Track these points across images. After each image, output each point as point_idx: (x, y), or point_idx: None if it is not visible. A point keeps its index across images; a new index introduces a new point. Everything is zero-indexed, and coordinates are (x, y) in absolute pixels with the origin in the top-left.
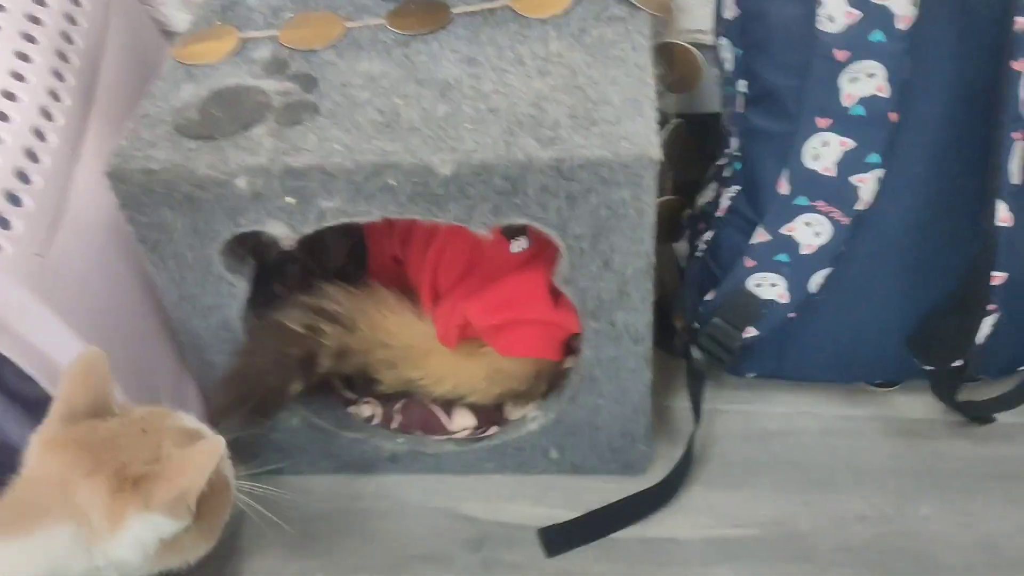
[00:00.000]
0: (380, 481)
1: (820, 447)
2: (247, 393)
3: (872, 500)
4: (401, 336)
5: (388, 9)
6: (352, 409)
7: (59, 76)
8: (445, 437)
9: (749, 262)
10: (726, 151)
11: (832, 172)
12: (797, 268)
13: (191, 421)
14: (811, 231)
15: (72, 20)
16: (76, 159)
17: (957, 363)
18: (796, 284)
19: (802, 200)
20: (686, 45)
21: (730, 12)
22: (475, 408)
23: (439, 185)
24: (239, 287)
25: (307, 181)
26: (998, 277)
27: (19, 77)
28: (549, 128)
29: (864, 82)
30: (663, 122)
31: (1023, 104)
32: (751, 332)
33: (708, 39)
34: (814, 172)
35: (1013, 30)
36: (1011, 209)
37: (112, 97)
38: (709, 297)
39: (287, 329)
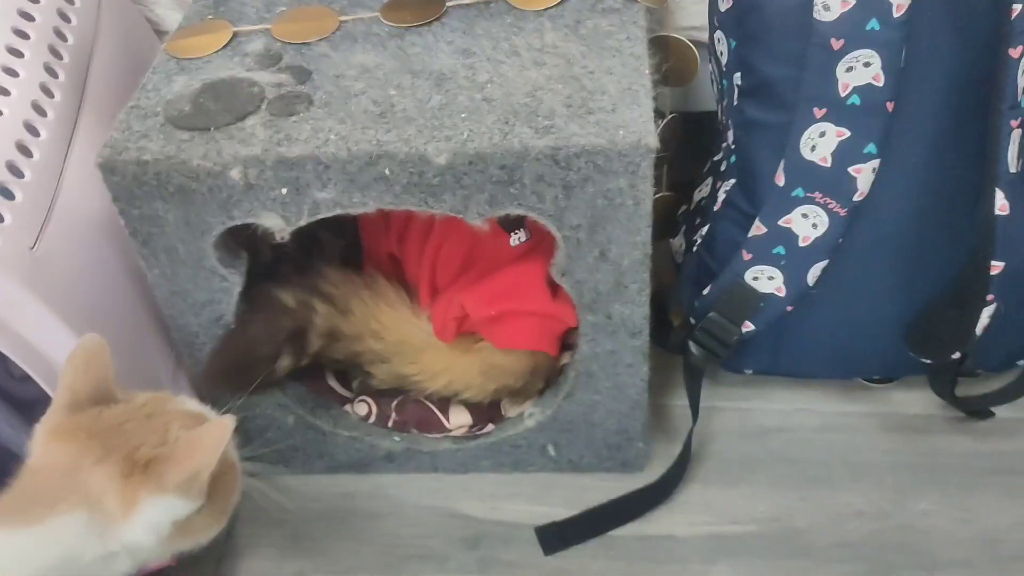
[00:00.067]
0: (376, 480)
1: (817, 443)
2: (238, 361)
3: (870, 496)
4: (395, 330)
5: (382, 2)
6: (348, 407)
7: (51, 72)
8: (442, 435)
9: (746, 255)
10: (722, 145)
11: (829, 163)
12: (795, 261)
13: (193, 404)
14: (808, 223)
15: (65, 17)
16: (68, 154)
17: (956, 356)
18: (794, 277)
19: (799, 192)
20: (681, 38)
21: (725, 4)
22: (471, 406)
23: (434, 175)
24: (232, 282)
25: (301, 171)
26: (996, 267)
27: (11, 72)
28: (545, 117)
29: (860, 71)
30: (658, 118)
31: (1021, 92)
32: (748, 326)
33: (703, 36)
34: (811, 163)
35: (1010, 17)
36: (1008, 198)
37: (104, 94)
38: (706, 292)
39: (278, 301)
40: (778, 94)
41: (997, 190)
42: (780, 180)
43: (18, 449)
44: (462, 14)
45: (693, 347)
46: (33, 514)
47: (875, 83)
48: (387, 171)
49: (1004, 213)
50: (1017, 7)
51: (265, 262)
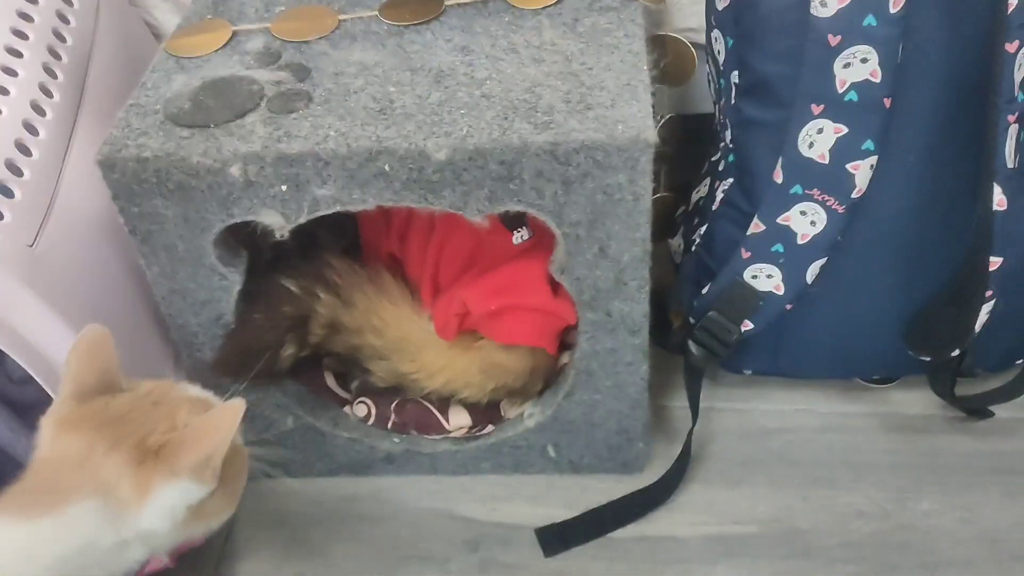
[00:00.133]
0: (375, 483)
1: (818, 444)
2: (242, 349)
3: (871, 496)
4: (396, 327)
5: (381, 1)
6: (347, 409)
7: (50, 72)
8: (441, 436)
9: (745, 253)
10: (720, 145)
11: (827, 160)
12: (793, 258)
13: (197, 390)
14: (807, 220)
15: (64, 19)
16: (67, 154)
17: (955, 353)
18: (792, 275)
19: (797, 189)
20: (678, 37)
21: (722, 2)
22: (471, 407)
23: (434, 171)
24: (232, 280)
25: (301, 168)
26: (994, 263)
27: (10, 72)
28: (544, 113)
29: (857, 67)
30: (656, 117)
31: (1017, 87)
32: (748, 325)
33: (700, 37)
34: (809, 160)
35: (1006, 12)
36: (1006, 193)
37: (103, 95)
38: (705, 291)
39: (282, 287)
40: (776, 92)
41: (995, 185)
42: (778, 178)
43: (17, 452)
44: (461, 13)
45: (693, 347)
46: (47, 504)
47: (872, 79)
48: (387, 167)
49: (1002, 209)
50: (1013, 2)
51: (266, 261)
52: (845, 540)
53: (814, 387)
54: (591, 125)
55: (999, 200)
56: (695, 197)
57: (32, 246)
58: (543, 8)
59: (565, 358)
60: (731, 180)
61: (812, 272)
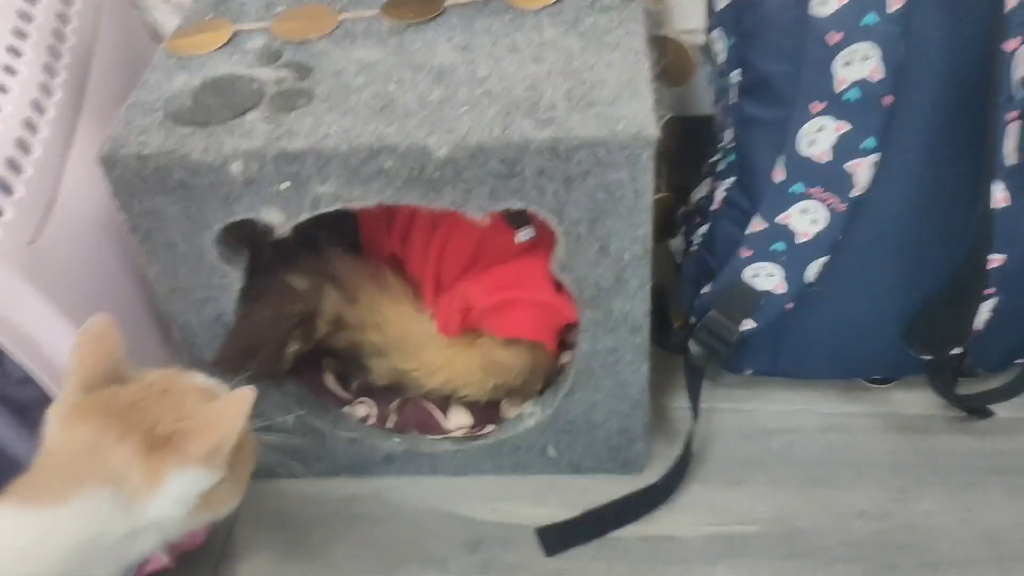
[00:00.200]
0: (375, 484)
1: (818, 444)
2: (248, 346)
3: (872, 495)
4: (397, 324)
5: (381, 1)
6: (347, 409)
7: (51, 71)
8: (441, 436)
9: (745, 252)
10: (720, 145)
11: (827, 158)
12: (794, 257)
13: (203, 379)
14: (807, 219)
15: (64, 19)
16: (67, 152)
17: (956, 351)
18: (793, 273)
19: (798, 187)
20: (679, 39)
21: (722, 1)
22: (471, 406)
23: (435, 168)
24: (232, 279)
25: (302, 165)
26: (995, 260)
27: (10, 71)
28: (545, 110)
29: (858, 65)
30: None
31: (1016, 85)
32: (748, 324)
33: (700, 39)
34: (810, 158)
35: (1004, 11)
36: (1007, 190)
37: (103, 95)
38: (705, 290)
39: (290, 286)
40: (776, 90)
41: (995, 183)
42: (779, 176)
43: (16, 453)
44: (461, 12)
45: (693, 346)
46: (58, 494)
47: (873, 78)
48: (388, 164)
49: (1002, 207)
50: (1012, 0)
51: (267, 259)
52: (846, 540)
53: (814, 387)
54: (593, 122)
55: (999, 198)
56: (695, 197)
57: (32, 243)
58: (543, 7)
59: (565, 358)
60: (732, 179)
61: (813, 271)
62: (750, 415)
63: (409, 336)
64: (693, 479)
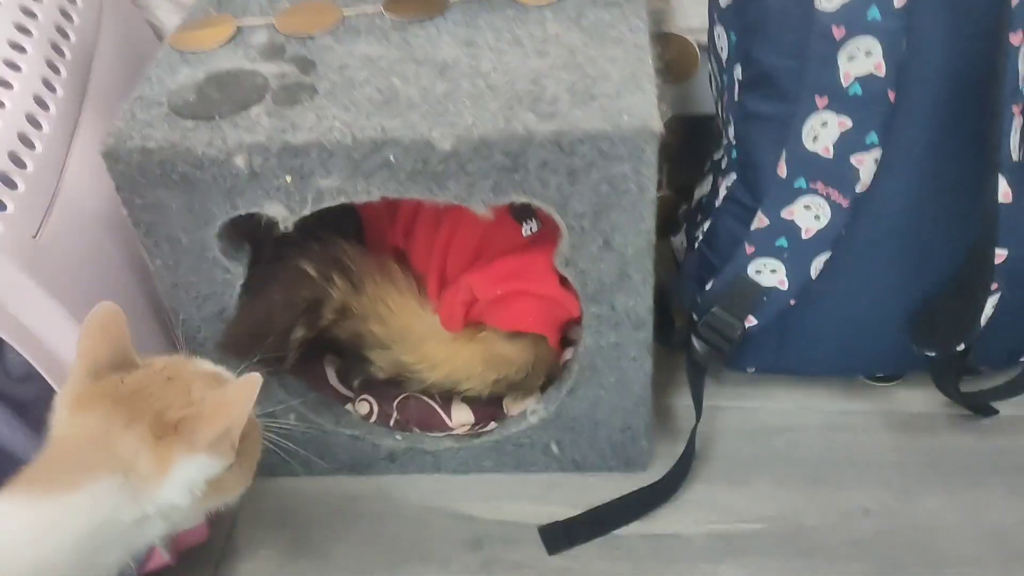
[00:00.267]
0: (377, 482)
1: (822, 442)
2: (256, 329)
3: (877, 494)
4: (400, 317)
5: None
6: (349, 407)
7: (53, 67)
8: (444, 433)
9: (749, 248)
10: (722, 142)
11: (831, 153)
12: (797, 253)
13: (209, 365)
14: (811, 214)
15: (67, 16)
16: (70, 147)
17: (960, 348)
18: (796, 269)
19: (801, 183)
20: (682, 35)
21: None
22: (473, 404)
23: (439, 161)
24: (235, 274)
25: (305, 159)
26: (1000, 255)
27: (13, 66)
28: (549, 103)
29: (861, 60)
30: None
31: (1022, 78)
32: (751, 321)
33: (702, 37)
34: (813, 154)
35: (1010, 4)
36: (1011, 185)
37: (105, 92)
38: (708, 287)
39: (302, 271)
40: (779, 85)
41: (1000, 177)
42: (782, 171)
43: (16, 450)
44: (464, 8)
45: (696, 343)
46: (67, 482)
47: (877, 72)
48: (392, 157)
49: (1007, 201)
50: None
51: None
52: (850, 538)
53: (818, 385)
54: (596, 115)
55: (1004, 192)
56: (697, 195)
57: (35, 237)
58: (547, 3)
59: (568, 354)
60: (734, 176)
61: (816, 267)
62: (753, 413)
63: (411, 329)
64: (696, 477)
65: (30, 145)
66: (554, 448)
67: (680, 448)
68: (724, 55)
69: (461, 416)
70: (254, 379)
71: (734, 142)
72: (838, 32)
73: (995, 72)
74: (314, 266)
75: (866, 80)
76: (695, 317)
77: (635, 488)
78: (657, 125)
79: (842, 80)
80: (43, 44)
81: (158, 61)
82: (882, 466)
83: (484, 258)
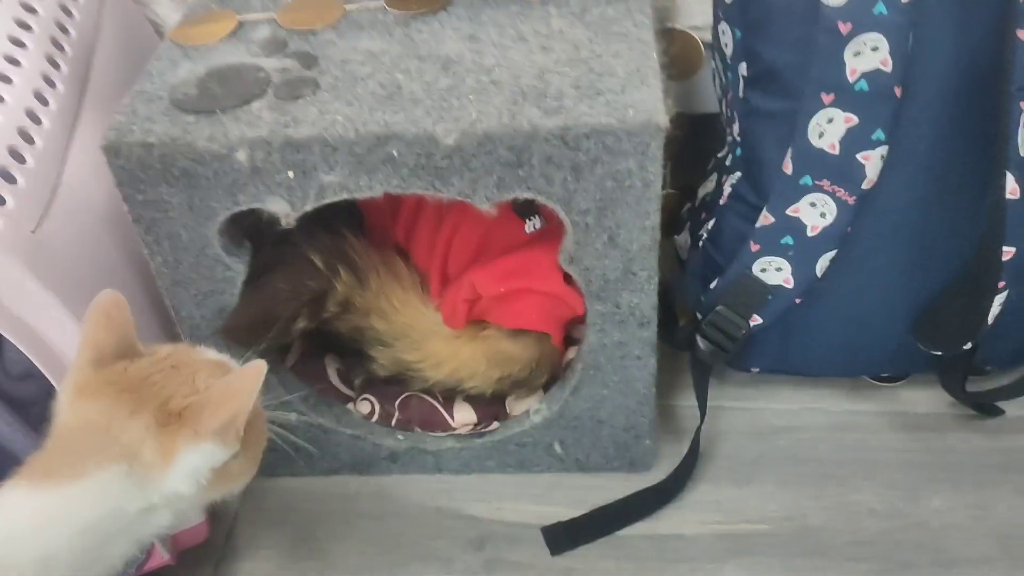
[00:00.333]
0: (379, 482)
1: (827, 442)
2: (259, 318)
3: (883, 494)
4: (403, 313)
5: None
6: (351, 406)
7: (53, 63)
8: (446, 433)
9: (754, 246)
10: (727, 140)
11: (837, 150)
12: (803, 251)
13: (214, 353)
14: (816, 212)
15: (67, 12)
16: (70, 144)
17: (967, 347)
18: (802, 268)
19: (807, 180)
20: (686, 31)
21: None
22: (476, 403)
23: (442, 157)
24: (236, 271)
25: (308, 154)
26: (1007, 252)
27: (13, 61)
28: (553, 98)
29: (868, 56)
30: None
31: None
32: (756, 320)
33: (706, 35)
34: (819, 150)
35: None
36: (1019, 182)
37: (105, 88)
38: (713, 285)
39: (311, 261)
40: (785, 81)
41: (1008, 174)
42: (788, 168)
43: (15, 448)
44: (467, 3)
45: (700, 342)
46: (71, 472)
47: (883, 68)
48: (395, 152)
49: (1015, 197)
50: None
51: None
52: (856, 538)
53: (822, 385)
54: (601, 110)
55: (1012, 189)
56: (701, 193)
57: (35, 232)
58: None
59: (571, 353)
60: (738, 174)
61: (822, 265)
62: (757, 413)
63: (414, 325)
64: (700, 478)
65: (30, 140)
66: (557, 448)
67: (684, 448)
68: (728, 52)
69: (463, 415)
70: (259, 366)
71: (739, 139)
72: (844, 27)
73: (1002, 67)
74: (321, 257)
75: (873, 76)
76: (699, 316)
77: (639, 488)
78: (663, 120)
79: (848, 76)
80: (43, 40)
81: (159, 56)
82: (888, 466)
83: (487, 255)
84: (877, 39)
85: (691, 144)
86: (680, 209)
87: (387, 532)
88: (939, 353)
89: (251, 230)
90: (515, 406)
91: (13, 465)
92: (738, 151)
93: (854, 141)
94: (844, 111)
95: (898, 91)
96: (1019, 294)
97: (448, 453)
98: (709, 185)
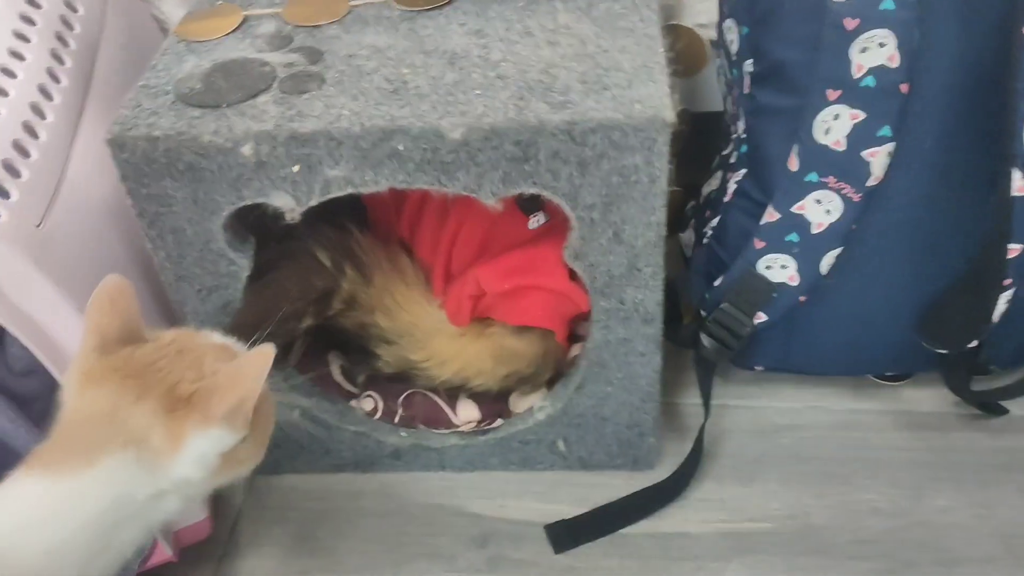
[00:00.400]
0: (382, 479)
1: (831, 441)
2: (266, 317)
3: (886, 493)
4: (407, 311)
5: None
6: (354, 403)
7: (58, 58)
8: (449, 430)
9: (759, 243)
10: (731, 138)
11: (843, 146)
12: (808, 248)
13: (219, 337)
14: (822, 209)
15: (71, 7)
16: (74, 138)
17: (972, 345)
18: (807, 265)
19: (813, 176)
20: (691, 27)
21: None
22: (480, 400)
23: (448, 151)
24: (240, 266)
25: (313, 148)
26: (1013, 250)
27: (17, 56)
28: (560, 93)
29: (874, 52)
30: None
31: None
32: (761, 317)
33: (711, 34)
34: (825, 147)
35: None
36: None
37: (110, 84)
38: (717, 283)
39: (318, 260)
40: (791, 78)
41: (1014, 170)
42: (793, 165)
43: (17, 445)
44: None
45: (705, 339)
46: (80, 460)
47: (890, 64)
48: (400, 147)
49: (1021, 194)
50: None
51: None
52: (860, 537)
53: (826, 384)
54: (608, 105)
55: (1018, 186)
56: (706, 191)
57: (39, 226)
58: None
59: (575, 350)
60: (744, 171)
61: (827, 262)
62: (761, 412)
63: (418, 324)
64: (704, 476)
65: (34, 134)
66: (560, 445)
67: (687, 447)
68: (734, 49)
69: (467, 413)
70: (267, 350)
71: (743, 136)
72: (851, 23)
73: (1008, 64)
74: (328, 255)
75: (879, 72)
76: (703, 313)
77: (642, 486)
78: (670, 115)
79: (855, 72)
80: (48, 35)
81: (164, 50)
82: (891, 465)
83: (491, 251)
84: (884, 35)
85: (695, 142)
86: (684, 207)
87: (390, 529)
88: (944, 351)
89: (255, 225)
90: (519, 403)
91: (15, 461)
92: (743, 148)
93: (860, 138)
94: (850, 107)
95: (905, 88)
96: None
97: (451, 450)
98: (713, 183)
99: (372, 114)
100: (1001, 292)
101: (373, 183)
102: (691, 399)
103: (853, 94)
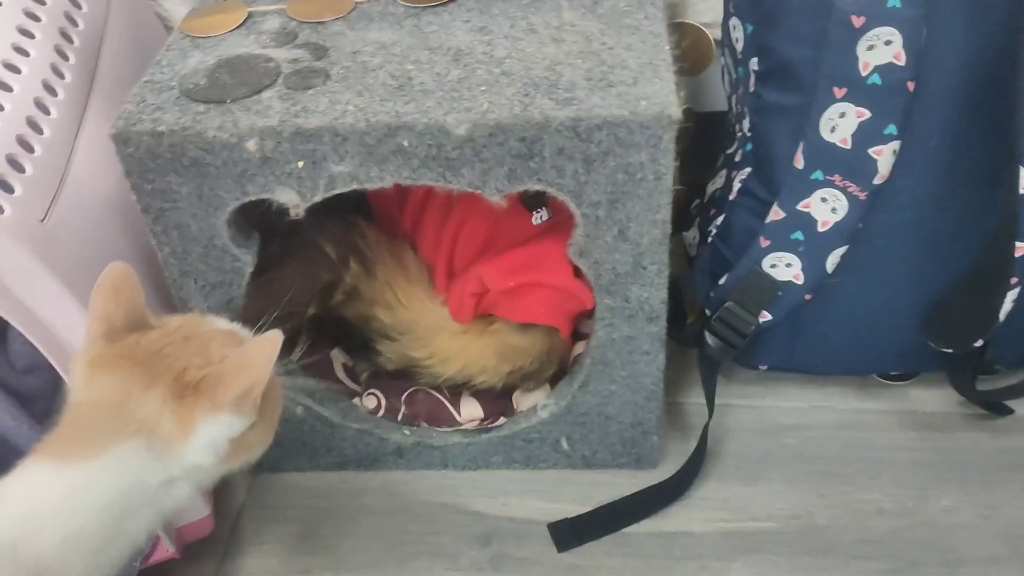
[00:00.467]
0: (385, 477)
1: (835, 440)
2: (274, 306)
3: (891, 493)
4: (409, 307)
5: None
6: (357, 401)
7: (61, 54)
8: (452, 428)
9: (764, 241)
10: (736, 136)
11: (849, 144)
12: (813, 246)
13: (225, 323)
14: (827, 207)
15: (75, 3)
16: (78, 134)
17: (977, 344)
18: (812, 264)
19: (818, 175)
20: (697, 25)
21: None
22: (483, 398)
23: (453, 147)
24: (244, 262)
25: (318, 144)
26: (1020, 248)
27: (22, 51)
28: (565, 89)
29: (881, 49)
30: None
31: None
32: (766, 316)
33: (716, 33)
34: (831, 145)
35: None
36: None
37: (113, 80)
38: (722, 281)
39: (324, 253)
40: (797, 76)
41: (1020, 169)
42: (799, 163)
43: (19, 442)
44: None
45: (709, 338)
46: (91, 448)
47: (896, 62)
48: (405, 143)
49: None
50: None
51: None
52: (864, 537)
53: (830, 384)
54: (614, 101)
55: None
56: (710, 189)
57: (43, 221)
58: None
59: (579, 348)
60: (749, 169)
61: (832, 261)
62: (765, 411)
63: (419, 322)
64: (708, 475)
65: (38, 130)
66: (564, 444)
67: (691, 446)
68: (739, 47)
69: (470, 411)
70: (275, 336)
71: (749, 135)
72: (857, 21)
73: (1015, 62)
74: (334, 248)
75: (886, 70)
76: (708, 312)
77: (645, 485)
78: (676, 112)
79: (861, 70)
80: (52, 31)
81: (169, 46)
82: (896, 465)
83: (494, 248)
84: (891, 33)
85: (699, 141)
86: (689, 205)
87: (392, 527)
88: (949, 351)
89: (259, 221)
90: (522, 401)
91: (17, 459)
92: (748, 146)
93: (866, 136)
94: (856, 105)
95: (911, 86)
96: None
97: (454, 448)
98: (718, 181)
99: (377, 110)
100: (1007, 291)
101: (378, 179)
102: (695, 398)
103: (859, 92)
